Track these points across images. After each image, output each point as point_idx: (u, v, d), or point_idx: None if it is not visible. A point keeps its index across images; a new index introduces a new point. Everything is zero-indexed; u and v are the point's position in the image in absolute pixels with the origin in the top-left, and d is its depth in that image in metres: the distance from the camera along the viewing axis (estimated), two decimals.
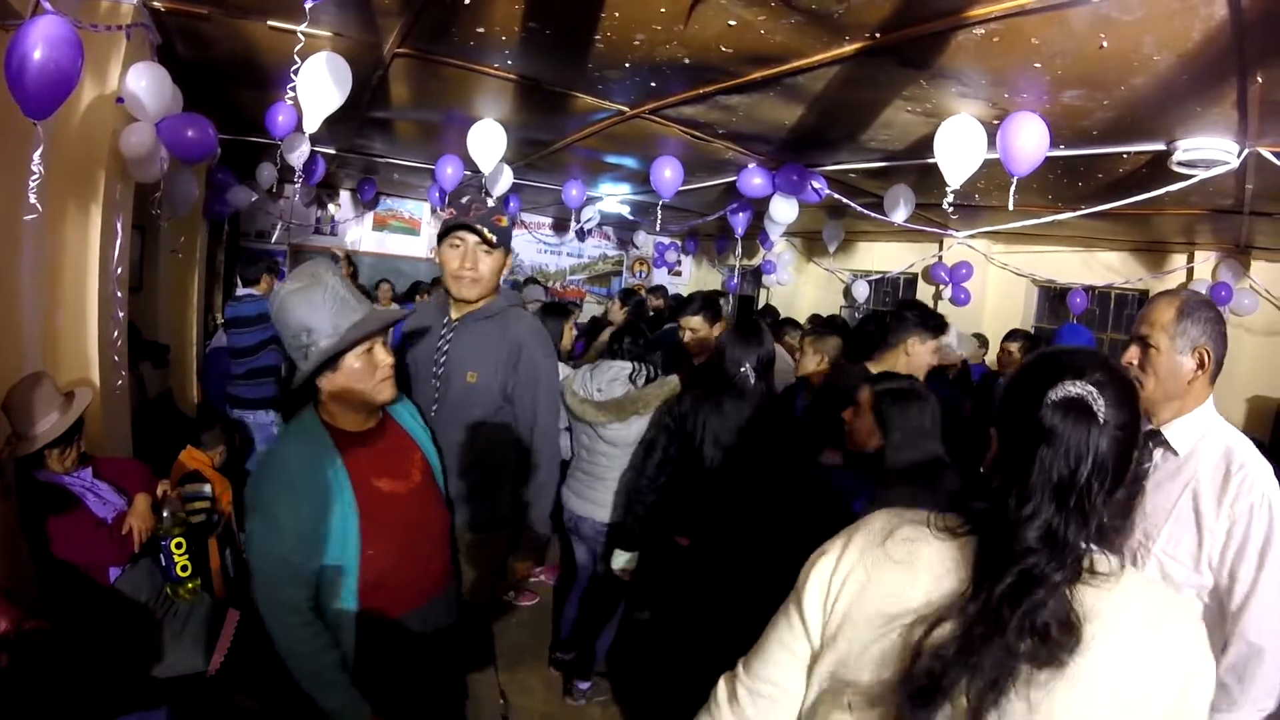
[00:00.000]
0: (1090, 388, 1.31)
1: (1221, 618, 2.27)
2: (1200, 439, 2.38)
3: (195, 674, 3.44)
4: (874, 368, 4.07)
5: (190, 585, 3.56)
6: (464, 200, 3.12)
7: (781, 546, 3.21)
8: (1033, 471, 1.29)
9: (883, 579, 1.37)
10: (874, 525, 1.46)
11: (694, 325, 4.98)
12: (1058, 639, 1.21)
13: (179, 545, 3.51)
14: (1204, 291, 7.09)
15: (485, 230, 3.00)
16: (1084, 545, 1.28)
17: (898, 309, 4.23)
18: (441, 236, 3.09)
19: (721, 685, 1.56)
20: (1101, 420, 1.29)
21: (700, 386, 4.09)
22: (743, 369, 3.86)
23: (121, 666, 3.25)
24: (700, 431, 3.87)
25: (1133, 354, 2.43)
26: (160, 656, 3.37)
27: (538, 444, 3.30)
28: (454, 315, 3.21)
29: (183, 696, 3.33)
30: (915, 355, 4.02)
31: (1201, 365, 2.36)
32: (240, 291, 6.33)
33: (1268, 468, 2.30)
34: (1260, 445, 6.32)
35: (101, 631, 3.24)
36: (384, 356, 2.38)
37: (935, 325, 4.04)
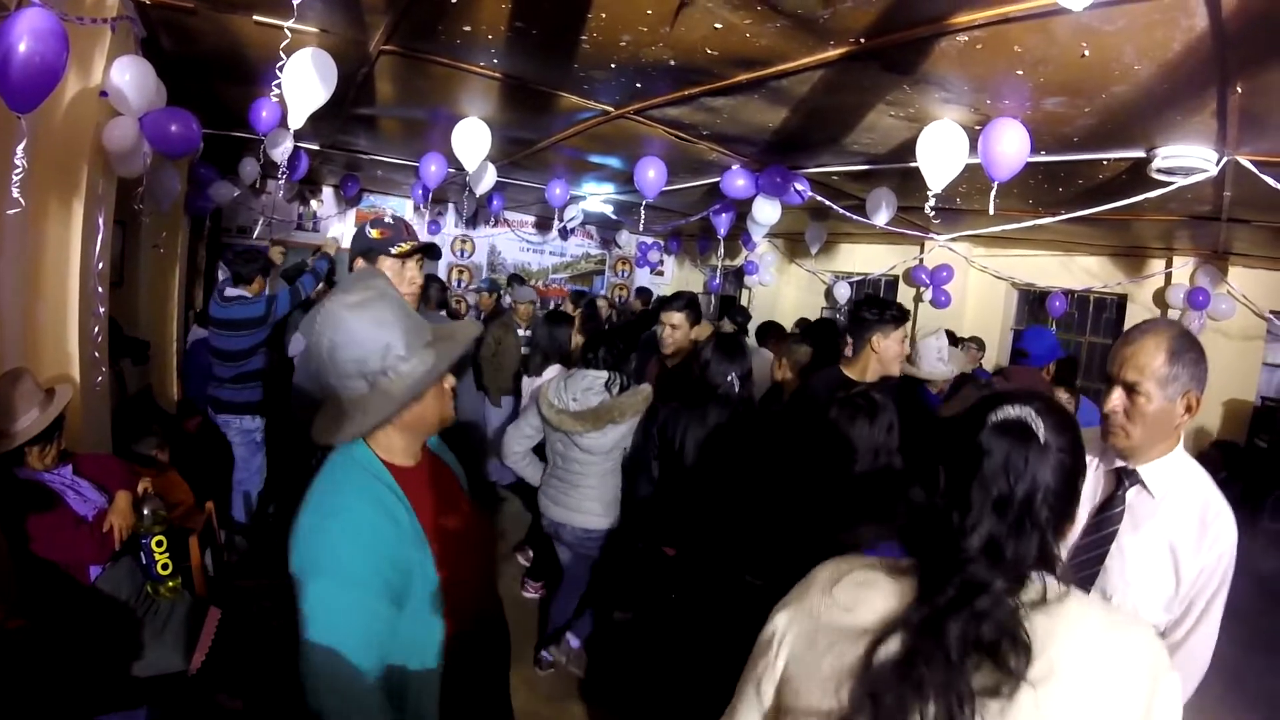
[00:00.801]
0: (1029, 411, 1.38)
1: None
2: (1175, 480, 2.35)
3: (176, 673, 3.43)
4: (846, 370, 4.12)
5: (171, 584, 3.56)
6: (390, 220, 3.27)
7: (768, 552, 3.26)
8: (973, 487, 1.34)
9: (830, 621, 1.40)
10: (820, 577, 1.50)
11: (675, 321, 5.09)
12: (1010, 658, 1.23)
13: (159, 543, 3.51)
14: (1181, 296, 7.20)
15: (433, 250, 3.25)
16: (1027, 563, 1.32)
17: (853, 310, 4.26)
18: (385, 255, 3.18)
19: None
20: (1042, 441, 1.35)
21: (679, 398, 4.15)
22: (729, 379, 3.93)
23: (101, 665, 3.24)
24: (682, 441, 3.92)
25: (1118, 402, 2.29)
26: (140, 655, 3.37)
27: None
28: None
29: (163, 696, 3.32)
30: (883, 350, 4.04)
31: (1189, 410, 2.28)
32: (230, 291, 6.21)
33: (1233, 517, 2.29)
34: (1234, 448, 6.41)
35: (82, 630, 3.23)
36: (449, 375, 2.12)
37: (894, 316, 4.05)
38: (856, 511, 2.73)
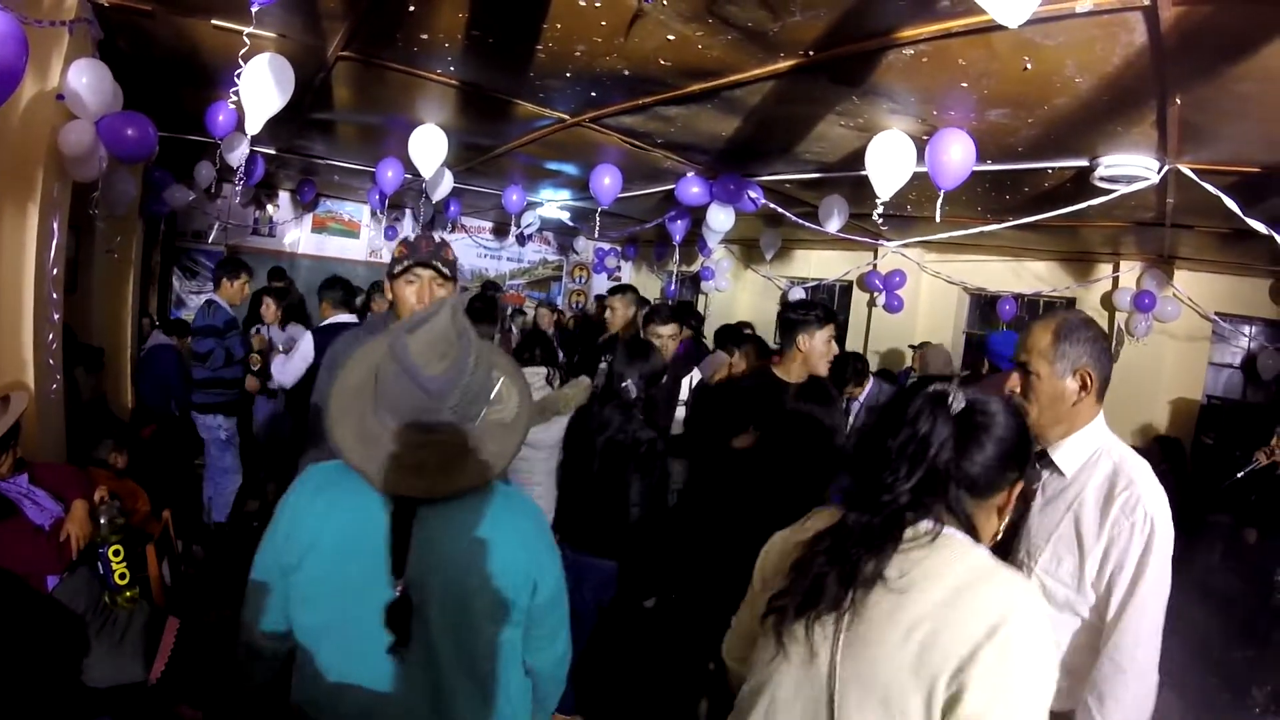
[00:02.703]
0: (951, 387, 1.68)
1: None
2: (1089, 458, 2.39)
3: (136, 684, 3.41)
4: (776, 369, 4.26)
5: (129, 593, 3.54)
6: (412, 238, 3.12)
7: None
8: (891, 434, 1.66)
9: (791, 538, 1.88)
10: (804, 520, 1.91)
11: (615, 304, 5.60)
12: (886, 552, 1.60)
13: (117, 553, 3.49)
14: (1128, 299, 7.34)
15: (440, 265, 3.02)
16: (920, 492, 1.63)
17: (781, 312, 4.35)
18: (397, 274, 3.04)
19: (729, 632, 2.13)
20: (951, 408, 1.65)
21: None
22: (625, 383, 4.06)
23: (60, 676, 3.22)
24: (589, 441, 4.07)
25: (1014, 381, 2.41)
26: (99, 665, 3.34)
27: None
28: None
29: (123, 706, 3.31)
30: (809, 350, 4.13)
31: (1084, 386, 2.33)
32: (208, 295, 6.31)
33: (1157, 489, 2.29)
34: (1179, 446, 6.50)
35: (40, 641, 3.21)
36: None
37: (819, 317, 4.13)
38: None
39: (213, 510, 6.55)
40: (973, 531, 1.64)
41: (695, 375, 5.62)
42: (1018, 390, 2.40)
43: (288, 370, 5.95)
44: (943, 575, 1.55)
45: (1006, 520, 1.78)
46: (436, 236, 3.33)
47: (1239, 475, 5.09)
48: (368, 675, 1.88)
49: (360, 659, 1.87)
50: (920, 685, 1.49)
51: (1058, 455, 2.40)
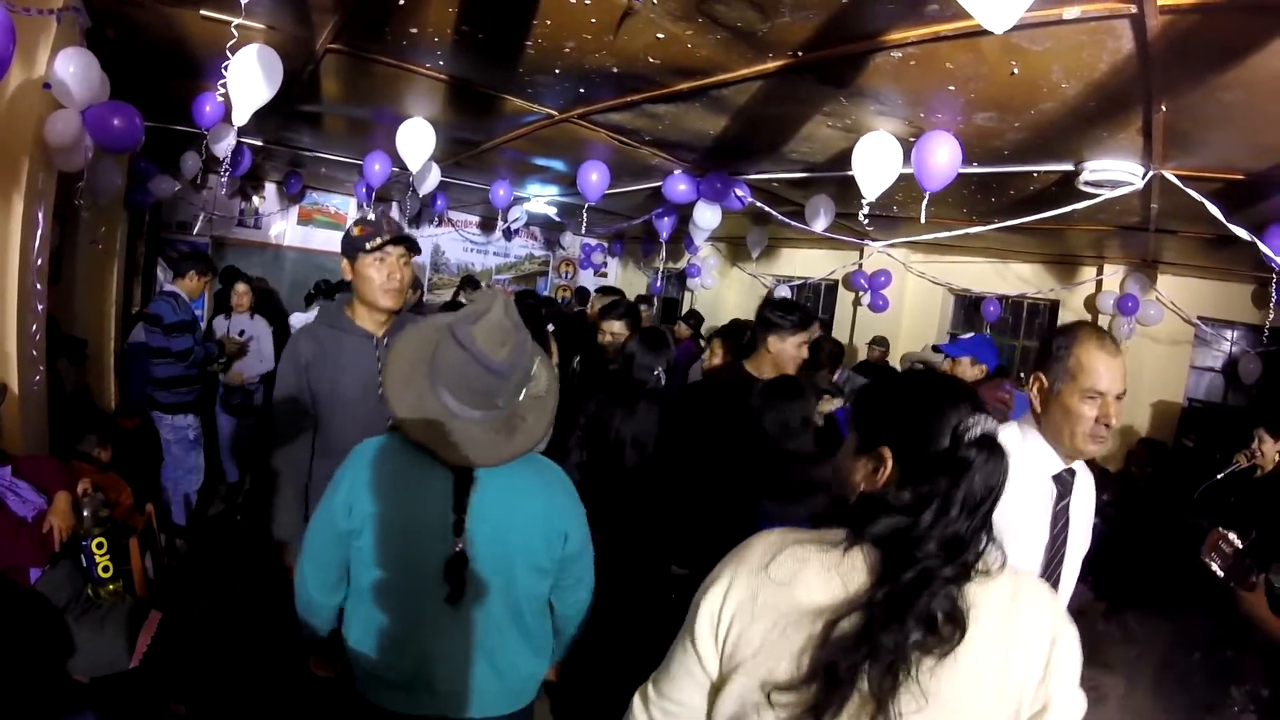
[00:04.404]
0: (990, 422, 1.51)
1: None
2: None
3: (121, 676, 3.40)
4: (748, 365, 4.22)
5: (112, 586, 3.54)
6: (371, 216, 3.18)
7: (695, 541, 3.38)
8: (956, 495, 1.45)
9: (769, 601, 1.50)
10: (754, 552, 1.59)
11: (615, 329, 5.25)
12: (945, 627, 1.40)
13: (100, 545, 3.49)
14: (1111, 303, 7.40)
15: (410, 242, 3.11)
16: (978, 554, 1.47)
17: (759, 309, 4.35)
18: (361, 252, 3.08)
19: (636, 701, 1.70)
20: (1004, 452, 1.50)
21: (605, 390, 4.20)
22: (654, 373, 4.06)
23: (45, 669, 3.21)
24: (617, 434, 3.97)
25: (1114, 412, 2.34)
26: (81, 653, 3.33)
27: None
28: (375, 330, 3.20)
29: (109, 699, 3.30)
30: (778, 352, 4.10)
31: None
32: (169, 287, 6.23)
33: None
34: (1164, 449, 6.54)
35: (22, 633, 3.20)
36: None
37: (793, 322, 4.10)
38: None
39: (172, 512, 6.30)
40: None
41: (695, 375, 5.63)
42: (1113, 421, 2.35)
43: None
44: (988, 603, 1.46)
45: None
46: (394, 212, 3.39)
47: (1219, 476, 5.12)
48: (426, 626, 2.16)
49: (420, 612, 2.15)
50: (1003, 713, 1.45)
51: (1080, 467, 2.48)
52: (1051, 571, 2.42)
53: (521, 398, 2.16)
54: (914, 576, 1.42)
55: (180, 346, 6.08)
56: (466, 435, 2.07)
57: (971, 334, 8.56)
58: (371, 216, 3.21)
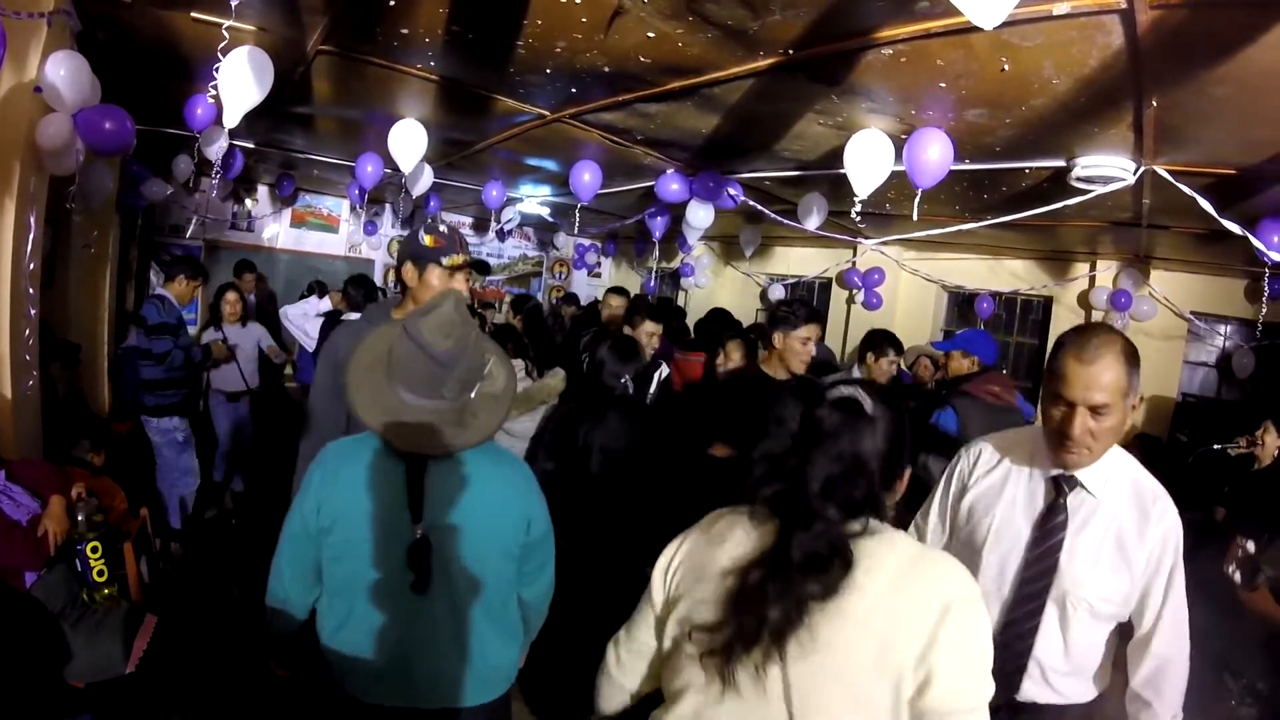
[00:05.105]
0: (859, 390, 1.72)
1: (1123, 634, 2.41)
2: (1110, 475, 2.39)
3: (117, 681, 3.39)
4: (763, 364, 4.35)
5: (107, 590, 3.53)
6: (443, 230, 3.19)
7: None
8: (817, 454, 1.66)
9: (704, 553, 1.81)
10: (708, 519, 1.90)
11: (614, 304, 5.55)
12: (835, 570, 1.58)
13: (94, 549, 3.48)
14: (1105, 298, 7.40)
15: (481, 265, 3.35)
16: (855, 501, 1.65)
17: (770, 310, 4.41)
18: (435, 264, 3.12)
19: (610, 648, 2.03)
20: (870, 415, 1.69)
21: (575, 398, 4.26)
22: (622, 380, 4.09)
23: (41, 674, 3.20)
24: (585, 441, 3.99)
25: (1082, 426, 2.24)
26: (77, 657, 3.32)
27: None
28: None
29: (106, 704, 3.30)
30: (785, 349, 4.20)
31: (1133, 408, 2.30)
32: (159, 290, 6.22)
33: (1168, 496, 2.38)
34: (1156, 442, 6.54)
35: (17, 637, 3.19)
36: None
37: (797, 315, 4.19)
38: None
39: (169, 515, 6.36)
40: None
41: (664, 370, 5.64)
42: (1086, 434, 2.25)
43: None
44: (884, 564, 1.61)
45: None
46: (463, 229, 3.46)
47: (1215, 446, 5.13)
48: (396, 615, 2.28)
49: (389, 601, 2.27)
50: (885, 676, 1.54)
51: (1087, 478, 2.39)
52: (1040, 580, 2.38)
53: (474, 394, 2.30)
54: (798, 523, 1.62)
55: (160, 349, 6.12)
56: (417, 424, 2.21)
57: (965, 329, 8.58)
58: (443, 228, 3.21)
